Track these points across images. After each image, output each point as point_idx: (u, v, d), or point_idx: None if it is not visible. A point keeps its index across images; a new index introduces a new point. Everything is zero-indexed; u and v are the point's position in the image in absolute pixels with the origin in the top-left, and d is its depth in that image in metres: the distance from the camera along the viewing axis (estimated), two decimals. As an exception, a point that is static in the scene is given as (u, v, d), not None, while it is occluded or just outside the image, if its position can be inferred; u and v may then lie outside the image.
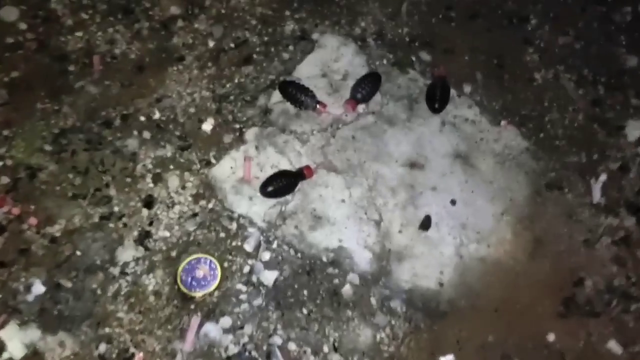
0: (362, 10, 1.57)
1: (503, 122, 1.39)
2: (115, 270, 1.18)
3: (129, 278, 1.17)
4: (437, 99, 1.37)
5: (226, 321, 1.13)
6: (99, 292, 1.15)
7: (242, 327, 1.13)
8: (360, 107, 1.38)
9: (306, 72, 1.43)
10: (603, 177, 1.32)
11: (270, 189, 1.22)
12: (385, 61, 1.47)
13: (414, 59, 1.48)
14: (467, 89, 1.43)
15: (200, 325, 1.12)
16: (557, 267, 1.22)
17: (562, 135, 1.38)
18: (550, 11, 1.60)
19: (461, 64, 1.49)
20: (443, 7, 1.59)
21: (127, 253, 1.19)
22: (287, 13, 1.54)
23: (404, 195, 1.28)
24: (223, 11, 1.54)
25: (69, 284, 1.16)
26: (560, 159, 1.35)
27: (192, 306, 1.15)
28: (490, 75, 1.47)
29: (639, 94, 1.45)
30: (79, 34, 1.47)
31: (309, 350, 1.12)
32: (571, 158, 1.35)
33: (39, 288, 1.14)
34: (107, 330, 1.12)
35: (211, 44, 1.48)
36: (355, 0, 1.58)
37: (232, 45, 1.48)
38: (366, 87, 1.36)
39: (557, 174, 1.33)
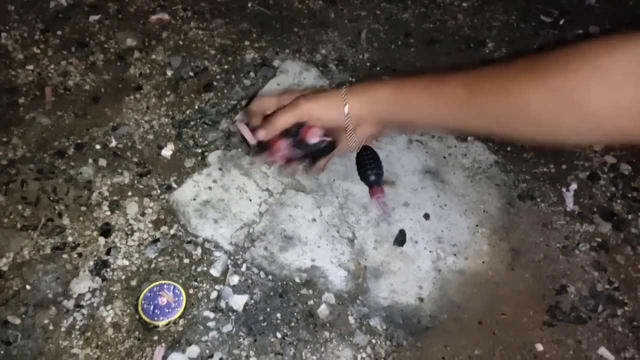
0: (321, 39, 1.57)
1: (470, 138, 1.38)
2: (69, 304, 1.07)
3: (84, 311, 1.07)
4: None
5: (194, 350, 1.03)
6: (51, 327, 1.05)
7: (211, 356, 1.03)
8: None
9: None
10: (574, 186, 1.31)
11: None
12: (348, 84, 1.45)
13: (376, 81, 1.47)
14: (431, 108, 1.42)
15: (165, 357, 1.02)
16: (538, 276, 1.18)
17: (529, 148, 1.38)
18: (506, 35, 1.64)
19: (423, 85, 1.48)
20: (401, 34, 1.61)
21: (83, 284, 1.10)
22: (247, 43, 1.53)
23: (377, 212, 1.23)
24: (181, 42, 1.52)
25: (17, 321, 1.05)
26: (529, 170, 1.34)
27: (156, 337, 1.05)
28: (453, 95, 1.46)
29: (598, 106, 1.47)
30: (30, 67, 1.42)
31: (285, 376, 1.03)
32: (540, 169, 1.34)
33: (-18, 327, 1.03)
34: (60, 368, 1.01)
35: (169, 73, 1.44)
36: (315, 30, 1.59)
37: (192, 73, 1.45)
38: (374, 166, 1.19)
39: (528, 185, 1.31)
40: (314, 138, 0.88)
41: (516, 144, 1.37)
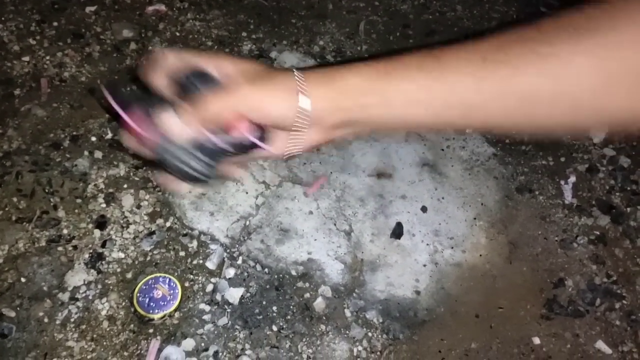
0: (319, 30, 1.56)
1: (468, 130, 1.37)
2: (64, 296, 1.07)
3: (79, 304, 1.06)
4: None
5: (189, 343, 1.03)
6: (46, 320, 1.04)
7: (206, 349, 1.03)
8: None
9: (265, 88, 1.39)
10: (572, 179, 1.30)
11: None
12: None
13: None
14: (430, 100, 1.41)
15: (160, 350, 1.02)
16: (536, 269, 1.17)
17: (527, 140, 1.37)
18: (504, 27, 1.62)
19: (422, 77, 1.47)
20: (400, 26, 1.60)
21: (78, 277, 1.09)
22: (244, 34, 1.52)
23: (374, 205, 1.23)
24: (177, 34, 1.51)
25: (12, 314, 1.04)
26: (528, 162, 1.33)
27: (151, 330, 1.04)
28: (451, 87, 1.45)
29: (598, 99, 1.46)
30: (26, 58, 1.41)
31: (281, 369, 1.02)
32: (539, 161, 1.33)
33: (-23, 320, 1.03)
34: (55, 361, 1.00)
35: (166, 64, 1.43)
36: (313, 21, 1.58)
37: (188, 65, 1.43)
38: None
39: (526, 178, 1.30)
40: (246, 134, 0.54)
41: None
